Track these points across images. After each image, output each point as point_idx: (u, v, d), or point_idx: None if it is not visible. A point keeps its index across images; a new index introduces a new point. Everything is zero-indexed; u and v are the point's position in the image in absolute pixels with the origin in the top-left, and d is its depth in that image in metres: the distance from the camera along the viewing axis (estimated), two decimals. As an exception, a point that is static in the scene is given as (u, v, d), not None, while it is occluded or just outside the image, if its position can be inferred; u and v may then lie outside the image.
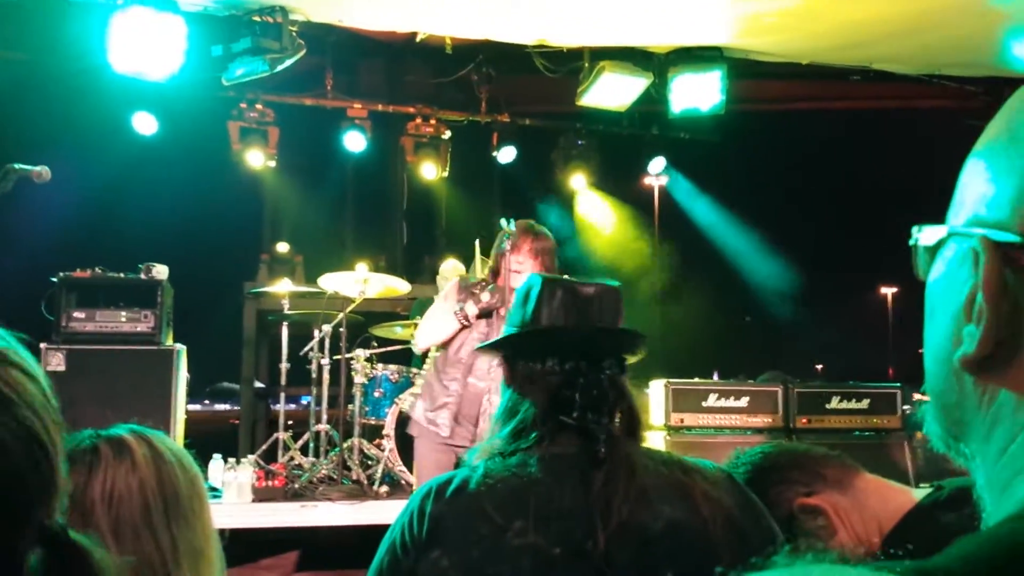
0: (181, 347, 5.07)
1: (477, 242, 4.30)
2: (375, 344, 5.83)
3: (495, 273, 3.70)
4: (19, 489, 0.64)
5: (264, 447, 5.56)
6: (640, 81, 6.18)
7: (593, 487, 1.38)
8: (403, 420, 4.83)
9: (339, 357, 5.30)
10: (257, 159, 6.78)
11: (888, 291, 25.43)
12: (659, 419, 5.13)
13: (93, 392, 4.59)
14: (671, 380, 5.17)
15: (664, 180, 10.86)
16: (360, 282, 4.89)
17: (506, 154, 7.53)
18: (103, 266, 5.17)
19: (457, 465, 3.36)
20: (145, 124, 6.67)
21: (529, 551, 1.32)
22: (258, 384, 8.25)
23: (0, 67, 6.04)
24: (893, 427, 5.35)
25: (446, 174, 7.43)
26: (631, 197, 10.34)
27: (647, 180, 11.19)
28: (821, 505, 1.37)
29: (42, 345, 4.79)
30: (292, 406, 6.63)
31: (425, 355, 4.09)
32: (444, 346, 3.83)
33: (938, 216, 0.62)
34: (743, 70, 6.33)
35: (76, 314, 4.97)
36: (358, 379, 5.25)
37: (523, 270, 3.55)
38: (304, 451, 5.40)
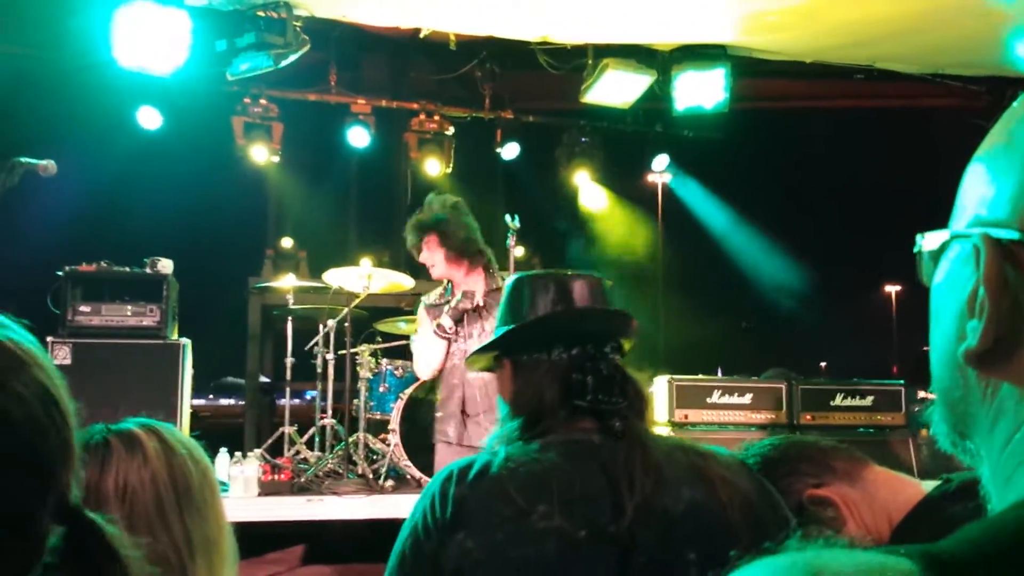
0: (186, 341, 5.09)
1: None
2: (379, 339, 5.84)
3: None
4: (41, 442, 0.64)
5: (270, 441, 5.57)
6: (644, 78, 6.18)
7: (616, 462, 1.39)
8: (408, 415, 4.86)
9: (344, 352, 5.31)
10: (261, 154, 6.77)
11: (892, 289, 25.41)
12: (663, 415, 5.13)
13: (98, 386, 4.60)
14: (675, 376, 5.15)
15: (668, 178, 10.85)
16: (364, 277, 4.89)
17: (510, 151, 7.52)
18: (108, 260, 5.19)
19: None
20: (150, 119, 6.65)
21: (554, 534, 1.33)
22: (263, 379, 8.26)
23: (6, 61, 6.04)
24: (897, 424, 5.33)
25: (450, 170, 7.42)
26: (634, 195, 10.35)
27: (651, 178, 11.19)
28: (831, 496, 1.36)
29: (48, 339, 4.80)
30: (297, 401, 6.63)
31: None
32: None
33: (942, 215, 0.63)
34: (747, 68, 6.33)
35: (82, 308, 4.99)
36: (363, 374, 5.27)
37: (434, 262, 3.98)
38: (310, 445, 5.41)
